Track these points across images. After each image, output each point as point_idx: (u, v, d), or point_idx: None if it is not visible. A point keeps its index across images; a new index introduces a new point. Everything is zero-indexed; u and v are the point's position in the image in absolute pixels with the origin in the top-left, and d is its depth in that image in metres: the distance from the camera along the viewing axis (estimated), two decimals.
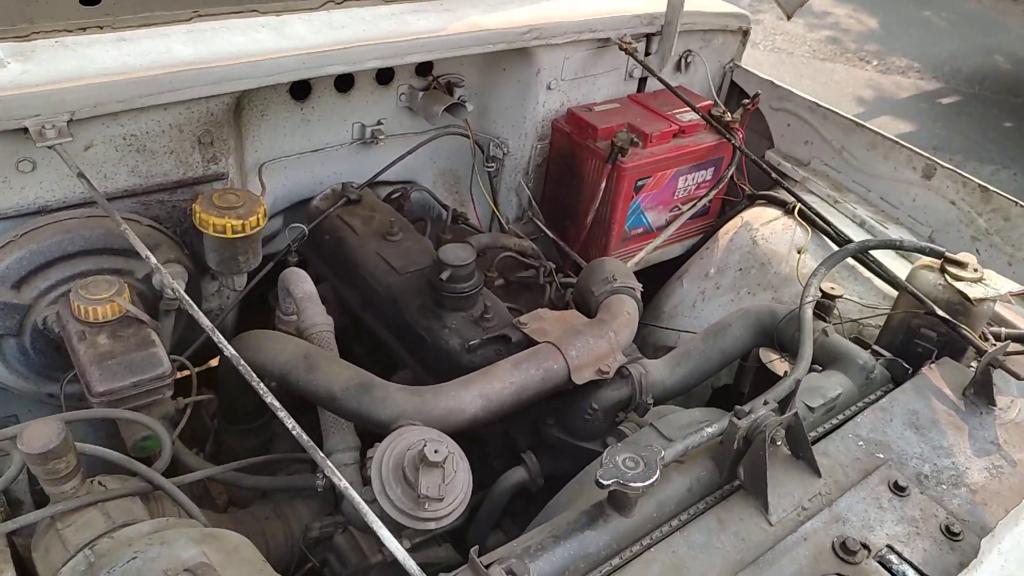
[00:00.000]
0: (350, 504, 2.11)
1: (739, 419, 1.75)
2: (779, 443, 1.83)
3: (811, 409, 1.99)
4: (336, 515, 2.32)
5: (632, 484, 1.57)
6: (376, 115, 3.03)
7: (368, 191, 2.97)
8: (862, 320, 2.62)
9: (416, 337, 2.41)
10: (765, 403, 1.80)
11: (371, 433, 2.21)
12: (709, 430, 1.76)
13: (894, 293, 2.84)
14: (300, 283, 2.42)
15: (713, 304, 3.22)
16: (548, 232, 3.32)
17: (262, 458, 2.27)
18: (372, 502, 1.76)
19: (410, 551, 2.16)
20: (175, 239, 2.46)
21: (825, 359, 2.18)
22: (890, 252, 2.90)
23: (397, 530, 1.94)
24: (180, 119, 2.33)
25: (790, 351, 2.27)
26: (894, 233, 3.12)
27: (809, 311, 2.16)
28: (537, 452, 2.32)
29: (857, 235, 3.10)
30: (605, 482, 1.57)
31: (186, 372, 2.23)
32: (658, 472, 1.59)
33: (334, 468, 1.53)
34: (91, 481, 1.72)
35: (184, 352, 2.36)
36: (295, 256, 2.77)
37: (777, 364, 2.69)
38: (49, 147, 2.06)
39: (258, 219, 2.31)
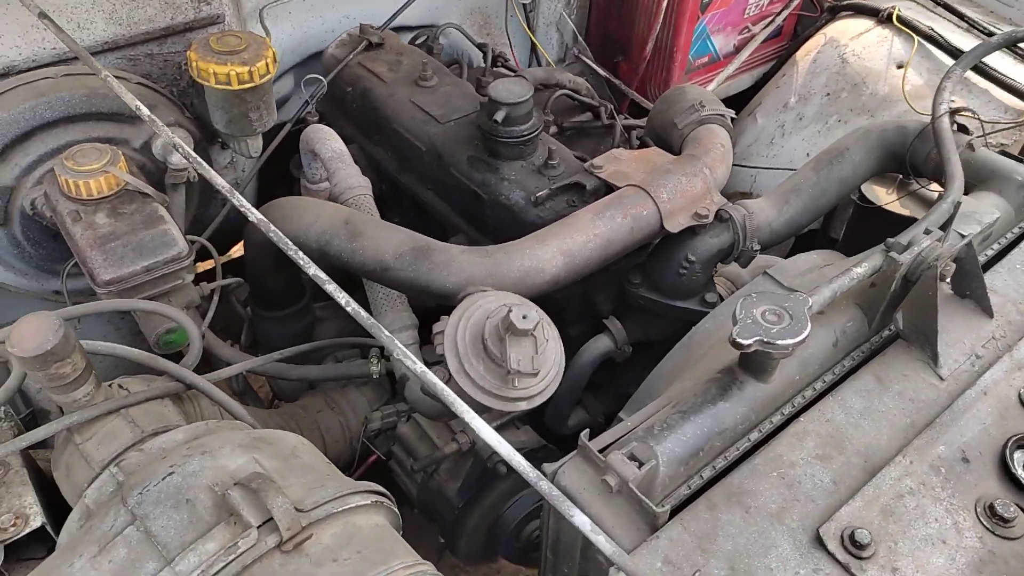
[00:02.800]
0: (414, 388, 1.84)
1: (899, 253, 1.39)
2: (947, 280, 1.48)
3: (964, 238, 1.62)
4: (397, 402, 2.05)
5: (779, 342, 1.24)
6: None
7: (391, 33, 2.53)
8: (990, 134, 2.20)
9: (469, 195, 2.04)
10: (927, 232, 1.44)
11: (429, 308, 1.90)
12: (858, 270, 1.40)
13: (1020, 105, 2.41)
14: (327, 141, 2.04)
15: (796, 139, 2.80)
16: (600, 70, 2.87)
17: (307, 345, 1.98)
18: (447, 381, 1.46)
19: None
20: (173, 100, 2.07)
21: (973, 179, 1.78)
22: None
23: (477, 412, 1.66)
24: None
25: (925, 173, 1.88)
26: None
27: (947, 121, 1.76)
28: (621, 316, 2.00)
29: (966, 43, 2.63)
30: (745, 341, 1.24)
31: (208, 262, 1.91)
32: (809, 325, 1.26)
33: (404, 348, 1.21)
34: (110, 385, 1.42)
35: (202, 233, 2.02)
36: (315, 115, 2.37)
37: (883, 198, 2.31)
38: None
39: (267, 64, 1.91)
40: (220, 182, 1.36)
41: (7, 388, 1.31)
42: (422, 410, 1.79)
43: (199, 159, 1.42)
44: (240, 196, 1.34)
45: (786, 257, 2.41)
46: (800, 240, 2.78)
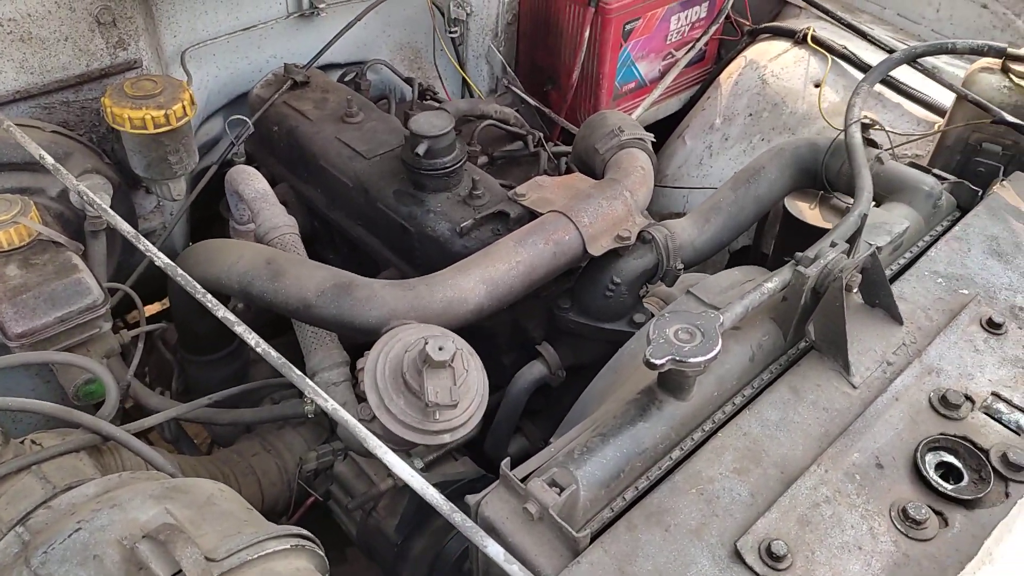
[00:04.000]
0: (347, 428, 1.82)
1: (805, 267, 1.43)
2: (854, 291, 1.52)
3: (877, 249, 1.67)
4: (333, 441, 2.02)
5: (691, 360, 1.26)
6: None
7: (317, 71, 2.54)
8: (900, 147, 2.28)
9: (397, 228, 2.05)
10: (832, 244, 1.48)
11: (359, 344, 1.89)
12: (769, 285, 1.43)
13: (930, 117, 2.51)
14: (250, 181, 2.03)
15: (723, 159, 2.87)
16: (530, 99, 2.92)
17: (237, 388, 1.93)
18: (372, 420, 1.45)
19: (423, 471, 1.89)
20: (90, 146, 2.05)
21: (883, 190, 1.84)
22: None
23: (405, 449, 1.64)
24: None
25: (839, 187, 1.93)
26: None
27: (858, 134, 1.81)
28: (553, 341, 2.01)
29: (876, 59, 2.73)
30: (658, 361, 1.25)
31: (146, 309, 1.87)
32: (720, 342, 1.28)
33: (316, 388, 1.20)
34: (21, 442, 1.38)
35: (126, 281, 1.99)
36: (242, 155, 2.36)
37: (806, 212, 2.37)
38: None
39: (184, 107, 1.90)
40: (125, 228, 1.34)
41: None
42: (354, 448, 1.77)
43: (103, 205, 1.41)
44: (145, 241, 1.32)
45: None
46: (735, 256, 2.84)
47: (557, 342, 2.00)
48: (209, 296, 1.27)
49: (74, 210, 1.92)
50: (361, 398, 1.79)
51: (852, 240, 1.55)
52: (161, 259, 1.31)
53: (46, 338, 1.58)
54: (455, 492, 1.91)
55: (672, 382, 1.36)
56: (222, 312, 1.25)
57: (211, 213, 2.51)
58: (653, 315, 2.03)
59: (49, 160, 1.45)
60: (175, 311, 1.99)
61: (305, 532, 1.23)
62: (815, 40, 2.73)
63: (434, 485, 1.79)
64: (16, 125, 1.84)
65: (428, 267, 2.02)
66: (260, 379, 2.14)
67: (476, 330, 1.77)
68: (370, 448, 1.14)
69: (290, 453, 2.05)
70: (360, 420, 1.47)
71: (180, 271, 1.29)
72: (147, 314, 1.97)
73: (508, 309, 1.84)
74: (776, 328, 1.51)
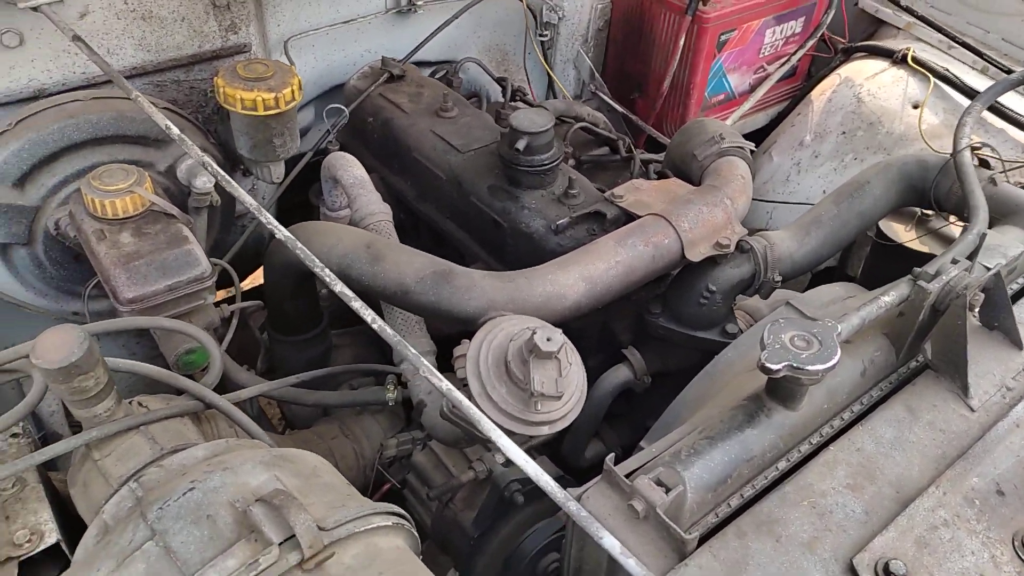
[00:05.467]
0: (431, 415, 1.82)
1: (927, 282, 1.38)
2: (975, 310, 1.47)
3: (991, 270, 1.61)
4: (412, 430, 2.02)
5: (809, 368, 1.22)
6: None
7: (412, 67, 2.57)
8: (1010, 170, 2.20)
9: (489, 223, 2.05)
10: (954, 261, 1.43)
11: (443, 336, 1.89)
12: (886, 299, 1.39)
13: None
14: (349, 167, 2.05)
15: (811, 176, 2.81)
16: (616, 106, 2.90)
17: (323, 371, 1.96)
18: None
19: (504, 466, 1.88)
20: (198, 125, 2.10)
21: (996, 213, 1.78)
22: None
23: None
24: None
25: (947, 207, 1.87)
26: None
27: (968, 155, 1.76)
28: (640, 346, 1.98)
29: (980, 84, 2.65)
30: (774, 366, 1.22)
31: (226, 290, 1.91)
32: (839, 351, 1.24)
33: (430, 367, 1.19)
34: (130, 402, 1.41)
35: (223, 257, 2.03)
36: (337, 145, 2.39)
37: (902, 235, 2.30)
38: (35, 8, 1.68)
39: (293, 91, 1.93)
40: (248, 200, 1.37)
41: (28, 402, 1.30)
42: (439, 436, 1.77)
43: (227, 177, 1.43)
44: (267, 214, 1.34)
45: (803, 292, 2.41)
46: (817, 277, 2.77)
47: (644, 347, 1.98)
48: (328, 271, 1.28)
49: (179, 185, 1.97)
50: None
51: (971, 258, 1.49)
52: (282, 231, 1.33)
53: (154, 305, 1.62)
54: (535, 490, 1.89)
55: (783, 390, 1.32)
56: (339, 286, 1.25)
57: (300, 199, 2.55)
58: (742, 327, 2.00)
59: (176, 132, 1.49)
60: (268, 290, 2.02)
61: (403, 511, 1.23)
62: (916, 60, 2.67)
63: (516, 481, 1.81)
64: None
65: (518, 263, 2.01)
66: (341, 364, 2.16)
67: (564, 329, 1.75)
68: (483, 429, 1.13)
69: (367, 439, 2.06)
70: (453, 407, 1.48)
71: (299, 245, 1.30)
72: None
73: (599, 310, 1.82)
74: (889, 344, 1.46)
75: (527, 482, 1.85)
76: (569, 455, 2.04)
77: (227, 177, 1.43)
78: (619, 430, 2.12)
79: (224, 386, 1.92)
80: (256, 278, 2.50)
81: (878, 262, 2.38)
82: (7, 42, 1.79)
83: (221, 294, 2.56)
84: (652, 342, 1.97)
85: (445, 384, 1.18)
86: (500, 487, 1.79)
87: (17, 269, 1.92)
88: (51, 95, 1.89)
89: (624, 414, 2.09)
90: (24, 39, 1.82)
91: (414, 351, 1.21)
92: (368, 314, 1.23)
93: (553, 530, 1.83)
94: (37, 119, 1.81)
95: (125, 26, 1.94)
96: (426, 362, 1.20)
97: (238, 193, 1.39)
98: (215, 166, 1.48)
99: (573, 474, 2.00)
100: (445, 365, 1.53)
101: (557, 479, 1.91)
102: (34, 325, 2.05)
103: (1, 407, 1.33)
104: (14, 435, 1.37)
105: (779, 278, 1.87)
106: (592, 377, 2.00)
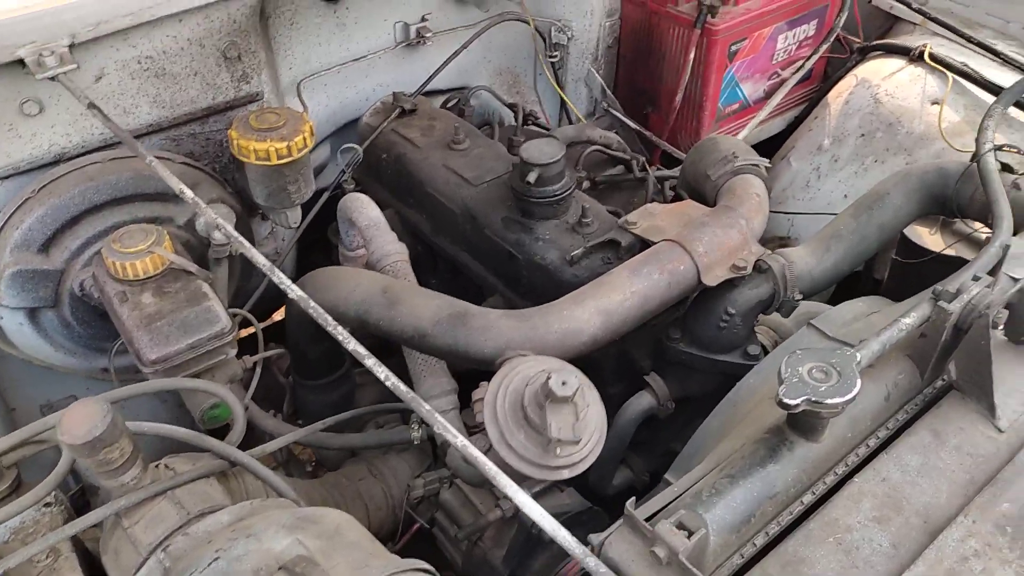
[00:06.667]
0: (456, 455, 1.83)
1: (948, 302, 1.35)
2: (999, 328, 1.43)
3: (1016, 281, 1.57)
4: (439, 468, 2.03)
5: (828, 401, 1.20)
6: (419, 9, 2.61)
7: (423, 99, 2.58)
8: None
9: (503, 256, 2.05)
10: (975, 278, 1.39)
11: (467, 372, 1.90)
12: (907, 320, 1.36)
13: None
14: (364, 209, 2.07)
15: (832, 181, 2.77)
16: (629, 122, 2.89)
17: (348, 413, 1.97)
18: (488, 451, 1.44)
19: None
20: (215, 176, 2.13)
21: (1021, 218, 1.74)
22: None
23: (518, 481, 1.63)
24: (199, 31, 1.97)
25: (970, 214, 1.83)
26: None
27: (991, 160, 1.72)
28: (661, 372, 1.97)
29: (999, 77, 2.59)
30: (792, 401, 1.20)
31: (250, 329, 1.94)
32: (859, 382, 1.22)
33: (445, 422, 1.20)
34: (156, 466, 1.44)
35: (244, 305, 2.06)
36: (352, 183, 2.42)
37: (927, 238, 2.25)
38: (52, 78, 1.73)
39: (304, 139, 1.96)
40: (260, 260, 1.39)
41: (57, 474, 1.33)
42: (464, 477, 1.78)
43: (240, 238, 1.46)
44: (280, 273, 1.36)
45: (830, 300, 2.37)
46: (844, 281, 2.73)
47: (665, 373, 1.96)
48: (339, 328, 1.29)
49: (199, 238, 2.00)
50: (470, 430, 1.80)
51: (994, 272, 1.46)
52: (294, 291, 1.35)
53: (177, 364, 1.65)
54: (562, 524, 1.89)
55: (804, 423, 1.30)
56: (352, 344, 1.27)
57: (319, 236, 2.58)
58: (766, 347, 1.97)
59: (189, 194, 1.52)
60: (290, 336, 2.05)
61: (428, 567, 1.24)
62: (933, 57, 2.61)
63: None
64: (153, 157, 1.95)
65: (535, 295, 2.03)
66: (366, 403, 2.18)
67: (583, 359, 1.75)
68: (499, 484, 1.14)
69: (395, 478, 2.07)
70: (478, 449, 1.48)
71: (313, 304, 1.32)
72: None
73: (620, 339, 1.82)
74: (912, 366, 1.44)
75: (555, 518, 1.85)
76: (596, 485, 2.03)
77: (240, 238, 1.46)
78: (645, 456, 2.10)
79: (252, 434, 1.96)
80: (281, 311, 2.54)
81: (904, 266, 2.33)
82: (27, 111, 1.85)
83: (249, 330, 2.60)
84: (673, 367, 1.95)
85: (460, 440, 1.18)
86: (527, 525, 1.79)
87: (46, 331, 1.97)
88: (71, 158, 1.94)
89: (649, 440, 2.07)
90: (44, 106, 1.87)
91: (427, 407, 1.21)
92: (381, 372, 1.24)
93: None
94: (58, 184, 1.86)
95: (140, 85, 1.98)
96: (440, 418, 1.21)
97: (251, 254, 1.42)
98: (228, 227, 1.51)
99: (602, 502, 1.99)
100: (469, 399, 1.54)
101: (585, 511, 1.93)
102: (63, 380, 2.11)
103: (41, 469, 1.36)
104: (47, 504, 1.40)
105: (799, 296, 1.85)
106: (614, 405, 1.99)
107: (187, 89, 2.04)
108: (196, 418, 1.69)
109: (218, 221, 1.50)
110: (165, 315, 1.64)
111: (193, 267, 1.72)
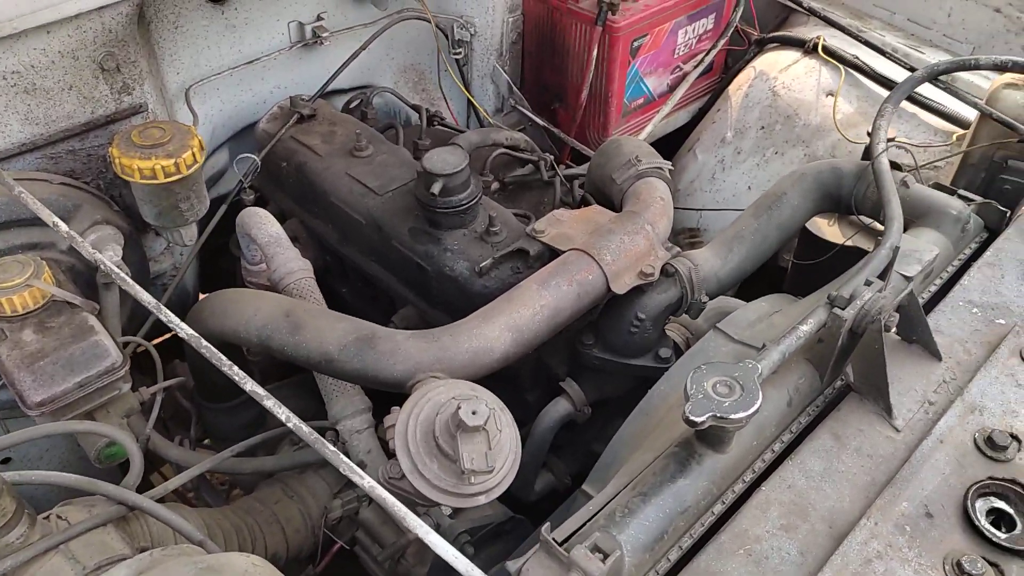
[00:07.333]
0: (375, 472, 1.79)
1: (842, 309, 1.39)
2: (892, 329, 1.48)
3: (907, 279, 1.64)
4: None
5: (732, 416, 1.22)
6: (313, 8, 2.52)
7: (322, 102, 2.49)
8: (924, 166, 2.24)
9: (413, 266, 2.01)
10: (868, 283, 1.44)
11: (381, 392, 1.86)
12: (804, 328, 1.40)
13: (951, 129, 2.47)
14: (263, 225, 1.99)
15: (736, 173, 2.83)
16: (537, 119, 2.87)
17: (259, 437, 1.90)
18: (401, 478, 1.42)
19: (450, 517, 1.86)
20: (99, 195, 2.01)
21: (909, 215, 1.80)
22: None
23: (433, 505, 1.61)
24: (71, 43, 1.84)
25: (864, 211, 1.90)
26: (931, 58, 2.70)
27: (885, 161, 1.77)
28: (577, 377, 1.97)
29: (889, 68, 2.69)
30: (698, 419, 1.22)
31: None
32: (760, 395, 1.25)
33: (351, 464, 1.16)
34: (47, 517, 1.35)
35: (139, 331, 1.95)
36: (251, 193, 2.32)
37: (825, 229, 2.33)
38: None
39: (194, 154, 1.86)
40: (145, 297, 1.31)
41: None
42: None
43: (120, 273, 1.37)
44: (166, 311, 1.29)
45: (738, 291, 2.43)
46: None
47: (581, 378, 1.97)
48: (236, 369, 1.23)
49: (85, 262, 1.88)
50: (387, 449, 1.76)
51: (884, 275, 1.51)
52: (184, 330, 1.27)
53: (66, 404, 1.54)
54: (485, 536, 1.88)
55: (711, 436, 1.32)
56: (250, 385, 1.21)
57: (220, 243, 2.47)
58: (679, 344, 2.00)
59: (63, 228, 1.42)
60: (190, 360, 1.96)
61: None
62: (826, 50, 2.69)
63: (464, 531, 1.79)
64: (24, 179, 1.82)
65: (446, 305, 2.00)
66: (279, 424, 2.10)
67: (499, 370, 1.73)
68: (409, 525, 1.11)
69: (313, 498, 2.01)
70: (391, 478, 1.45)
71: (205, 343, 1.25)
72: (155, 342, 1.92)
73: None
74: (812, 370, 1.48)
75: (475, 531, 1.84)
76: (518, 492, 2.03)
77: (124, 276, 1.37)
78: (567, 459, 2.11)
79: (158, 463, 1.86)
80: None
81: (807, 255, 2.40)
82: None
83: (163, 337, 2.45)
84: (588, 372, 1.96)
85: (367, 481, 1.15)
86: (448, 540, 1.76)
87: None
88: None
89: (569, 443, 2.08)
90: None
91: (332, 447, 1.17)
92: (283, 412, 1.19)
93: None
94: None
95: (8, 101, 1.84)
96: (346, 459, 1.17)
97: (135, 291, 1.33)
98: (109, 264, 1.41)
99: (524, 509, 1.99)
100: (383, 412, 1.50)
101: (508, 521, 1.92)
102: None
103: None
104: None
105: (706, 298, 1.88)
106: (533, 411, 1.99)
107: (62, 104, 1.91)
108: (92, 458, 1.59)
109: (98, 258, 1.40)
110: (48, 353, 1.54)
111: (77, 299, 1.61)
